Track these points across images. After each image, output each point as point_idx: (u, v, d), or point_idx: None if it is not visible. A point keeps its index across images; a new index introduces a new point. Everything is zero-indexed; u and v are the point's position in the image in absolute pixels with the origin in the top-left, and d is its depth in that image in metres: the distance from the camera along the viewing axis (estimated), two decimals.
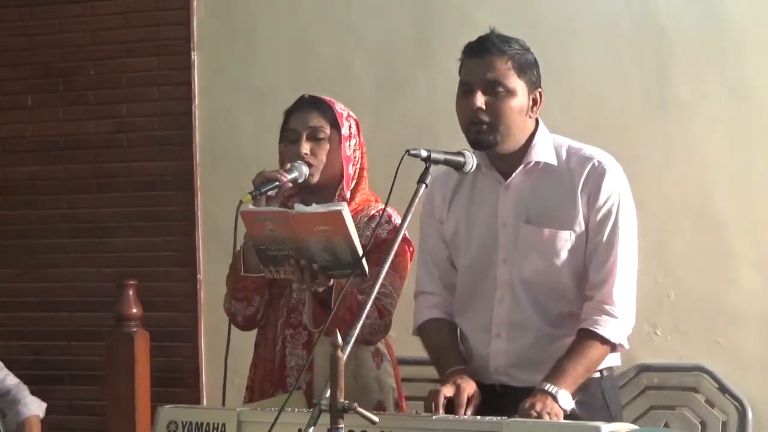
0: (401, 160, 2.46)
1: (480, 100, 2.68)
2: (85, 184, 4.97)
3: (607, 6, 4.36)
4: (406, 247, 3.02)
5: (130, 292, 4.24)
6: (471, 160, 2.64)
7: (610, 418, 2.68)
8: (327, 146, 3.00)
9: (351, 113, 3.07)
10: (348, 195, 3.01)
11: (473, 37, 2.79)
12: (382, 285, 2.81)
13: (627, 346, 2.74)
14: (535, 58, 2.77)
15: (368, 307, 2.57)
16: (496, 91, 2.69)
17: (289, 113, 3.08)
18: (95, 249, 4.93)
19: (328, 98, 3.07)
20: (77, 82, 4.98)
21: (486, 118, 2.69)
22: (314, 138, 3.00)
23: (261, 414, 2.50)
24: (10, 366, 4.04)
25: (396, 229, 2.94)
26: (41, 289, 5.00)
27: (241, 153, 4.73)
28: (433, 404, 2.56)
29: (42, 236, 5.01)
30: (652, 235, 4.20)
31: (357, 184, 3.05)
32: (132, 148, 4.92)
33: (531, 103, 2.75)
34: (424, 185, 2.51)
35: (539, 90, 2.77)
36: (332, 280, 2.75)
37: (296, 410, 2.49)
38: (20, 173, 5.06)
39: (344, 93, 4.56)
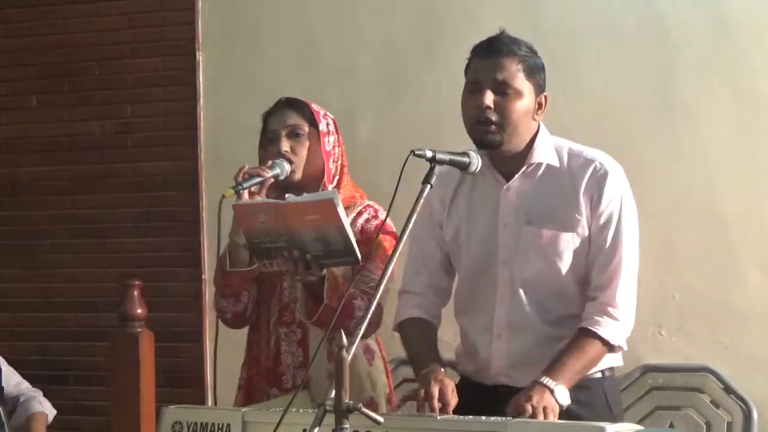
0: (406, 160, 2.46)
1: (489, 98, 2.69)
2: (89, 185, 4.97)
3: (613, 7, 4.35)
4: (394, 241, 3.02)
5: (135, 293, 4.23)
6: (476, 161, 2.65)
7: (612, 419, 2.68)
8: (307, 143, 3.04)
9: (328, 113, 3.10)
10: None
11: (478, 38, 2.79)
12: (372, 279, 2.91)
13: (625, 348, 2.74)
14: (542, 63, 2.78)
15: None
16: (505, 91, 2.70)
17: (267, 116, 3.11)
18: (100, 249, 4.93)
19: (304, 99, 3.10)
20: (82, 82, 4.99)
21: (493, 117, 2.69)
22: (293, 135, 3.04)
23: (265, 414, 2.51)
24: (15, 366, 4.06)
25: (382, 224, 2.97)
26: (46, 289, 5.00)
27: (246, 154, 4.71)
28: (428, 406, 2.55)
29: (47, 236, 5.01)
30: (658, 236, 4.20)
31: (339, 181, 3.08)
32: (136, 148, 4.92)
33: (536, 106, 2.76)
34: (429, 185, 2.51)
35: (545, 94, 2.78)
36: (325, 271, 2.79)
37: (301, 410, 2.49)
38: (25, 173, 5.06)
39: (349, 93, 4.58)
